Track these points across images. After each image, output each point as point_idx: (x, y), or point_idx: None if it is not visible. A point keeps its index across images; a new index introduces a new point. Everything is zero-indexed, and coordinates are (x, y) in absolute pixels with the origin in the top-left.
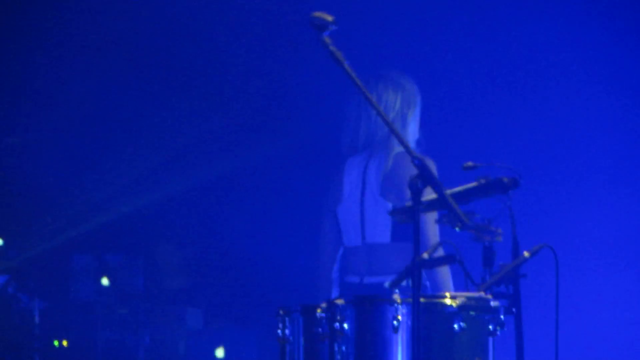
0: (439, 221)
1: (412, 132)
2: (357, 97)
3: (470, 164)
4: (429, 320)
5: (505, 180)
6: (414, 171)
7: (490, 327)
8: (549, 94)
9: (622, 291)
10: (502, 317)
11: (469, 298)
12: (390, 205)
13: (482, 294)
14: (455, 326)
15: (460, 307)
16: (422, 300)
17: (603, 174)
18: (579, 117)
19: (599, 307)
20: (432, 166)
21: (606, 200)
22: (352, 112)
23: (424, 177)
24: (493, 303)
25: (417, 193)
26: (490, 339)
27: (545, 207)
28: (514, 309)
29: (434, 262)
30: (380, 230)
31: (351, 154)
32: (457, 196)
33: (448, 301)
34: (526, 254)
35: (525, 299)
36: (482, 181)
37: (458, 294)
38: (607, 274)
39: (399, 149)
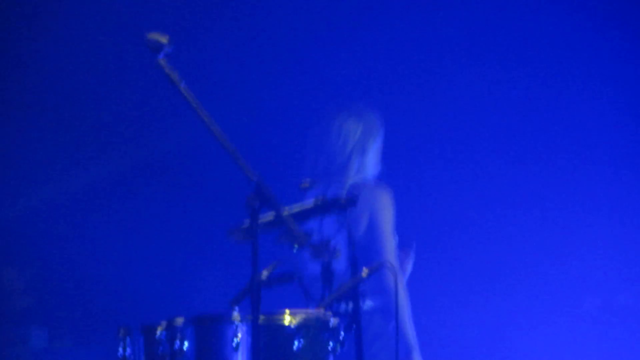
0: (277, 240)
1: (370, 162)
2: (315, 129)
3: (306, 183)
4: (268, 338)
5: (342, 199)
6: (367, 201)
7: (330, 344)
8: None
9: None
10: (342, 335)
11: (307, 316)
12: (345, 233)
13: (321, 312)
14: (295, 344)
15: (300, 326)
16: (261, 318)
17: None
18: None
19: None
20: (387, 195)
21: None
22: (311, 143)
23: (261, 197)
24: (332, 321)
25: (254, 212)
26: (331, 357)
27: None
28: (354, 326)
29: (274, 281)
30: (341, 258)
31: (311, 186)
32: (295, 216)
33: (287, 320)
34: (365, 271)
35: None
36: (320, 200)
37: (297, 311)
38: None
39: (354, 179)
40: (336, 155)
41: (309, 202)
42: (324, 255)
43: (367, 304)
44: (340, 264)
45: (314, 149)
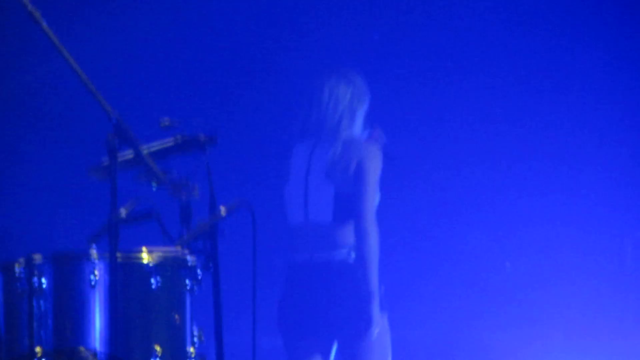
0: (136, 178)
1: (358, 124)
2: (307, 90)
3: (167, 121)
4: (126, 276)
5: (202, 137)
6: (359, 156)
7: (187, 283)
8: None
9: None
10: (199, 273)
11: (165, 254)
12: (333, 187)
13: (179, 250)
14: (152, 282)
15: (157, 264)
16: (119, 256)
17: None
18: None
19: None
20: (375, 149)
21: None
22: (305, 102)
23: (121, 135)
24: (190, 259)
25: (113, 151)
26: (188, 295)
27: (245, 164)
28: (211, 265)
29: (132, 218)
30: (323, 210)
31: (299, 140)
32: (154, 154)
33: (145, 258)
34: (223, 209)
35: (225, 255)
36: (179, 138)
37: (155, 249)
38: None
39: (343, 136)
40: (327, 117)
41: (168, 140)
42: (183, 193)
43: (345, 255)
44: (326, 217)
45: (304, 108)
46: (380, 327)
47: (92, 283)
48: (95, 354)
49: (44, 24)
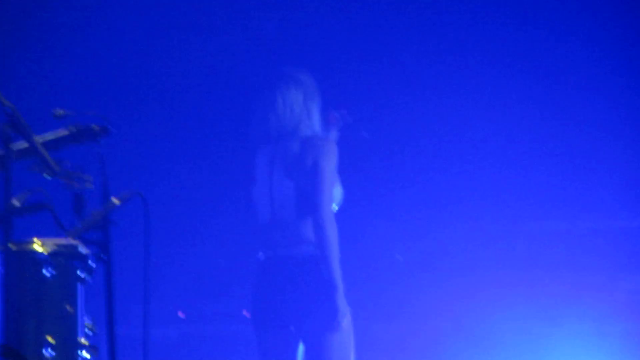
0: (29, 169)
1: (316, 120)
2: (263, 94)
3: (60, 111)
4: (19, 266)
5: (96, 127)
6: (314, 153)
7: (80, 273)
8: None
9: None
10: (91, 263)
11: (58, 245)
12: (293, 184)
13: (71, 240)
14: (45, 273)
15: (49, 254)
16: (12, 246)
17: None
18: None
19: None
20: (332, 145)
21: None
22: (259, 109)
23: (14, 125)
24: (82, 250)
25: (6, 140)
26: (80, 286)
27: (137, 155)
28: (103, 256)
29: (25, 209)
30: (286, 207)
31: (260, 144)
32: (47, 144)
33: (38, 248)
34: (115, 200)
35: (118, 246)
36: (73, 129)
37: (47, 240)
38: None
39: (304, 134)
40: (285, 121)
41: (63, 130)
42: (76, 183)
43: (307, 250)
44: (289, 214)
45: (259, 114)
46: (346, 319)
47: None
48: None
49: None
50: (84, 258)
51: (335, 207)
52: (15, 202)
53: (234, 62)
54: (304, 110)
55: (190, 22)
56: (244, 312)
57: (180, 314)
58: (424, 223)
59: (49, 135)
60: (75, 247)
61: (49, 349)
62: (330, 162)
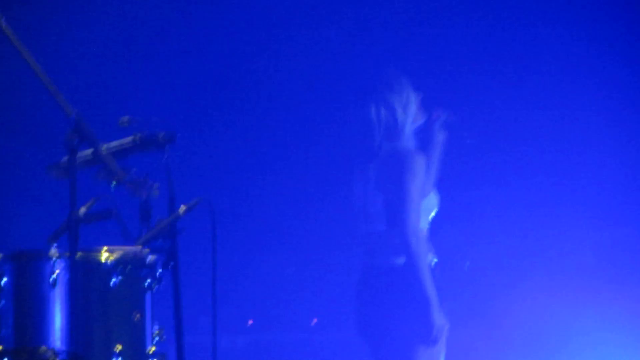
0: (95, 177)
1: (408, 130)
2: (358, 103)
3: (126, 120)
4: (85, 275)
5: (161, 135)
6: (403, 167)
7: (147, 282)
8: None
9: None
10: (159, 271)
11: (124, 253)
12: (383, 196)
13: (139, 248)
14: (112, 281)
15: (117, 262)
16: (78, 255)
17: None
18: None
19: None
20: (419, 160)
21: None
22: (354, 119)
23: (80, 133)
24: (149, 258)
25: (72, 149)
26: (148, 294)
27: (205, 163)
28: (171, 264)
29: (92, 217)
30: (378, 220)
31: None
32: (113, 152)
33: (104, 256)
34: (182, 208)
35: (186, 254)
36: (138, 137)
37: (114, 248)
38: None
39: (395, 146)
40: (377, 133)
41: (128, 139)
42: (142, 192)
43: (399, 260)
44: (380, 225)
45: (355, 125)
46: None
47: (52, 282)
48: (56, 353)
49: (3, 23)
50: (150, 266)
51: (432, 214)
52: (82, 211)
53: (313, 63)
54: (396, 120)
55: (269, 23)
56: (314, 321)
57: (249, 322)
58: (493, 226)
59: (115, 144)
60: (142, 256)
61: (118, 358)
62: (415, 176)
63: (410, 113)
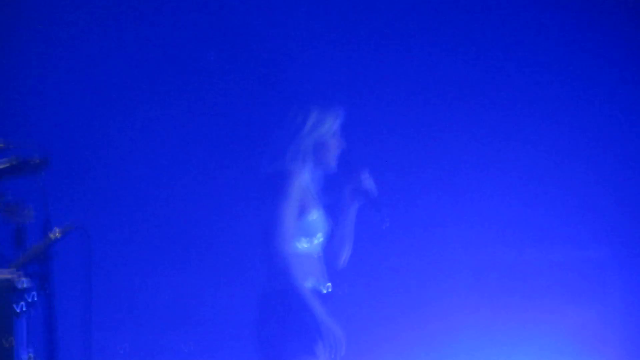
0: None
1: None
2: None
3: (0, 143)
4: None
5: (36, 159)
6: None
7: (18, 307)
8: None
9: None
10: (34, 295)
11: None
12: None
13: (11, 273)
14: None
15: None
16: None
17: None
18: None
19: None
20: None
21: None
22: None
23: None
24: (21, 283)
25: None
26: (21, 318)
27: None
28: (45, 288)
29: None
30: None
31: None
32: None
33: None
34: (57, 232)
35: (62, 278)
36: (14, 161)
37: None
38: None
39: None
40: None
41: (2, 162)
42: (17, 215)
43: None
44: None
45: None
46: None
47: None
48: None
49: None
50: (22, 291)
51: (317, 238)
52: None
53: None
54: (285, 140)
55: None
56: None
57: (123, 349)
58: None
59: None
60: (10, 281)
61: None
62: (288, 197)
63: (311, 135)
